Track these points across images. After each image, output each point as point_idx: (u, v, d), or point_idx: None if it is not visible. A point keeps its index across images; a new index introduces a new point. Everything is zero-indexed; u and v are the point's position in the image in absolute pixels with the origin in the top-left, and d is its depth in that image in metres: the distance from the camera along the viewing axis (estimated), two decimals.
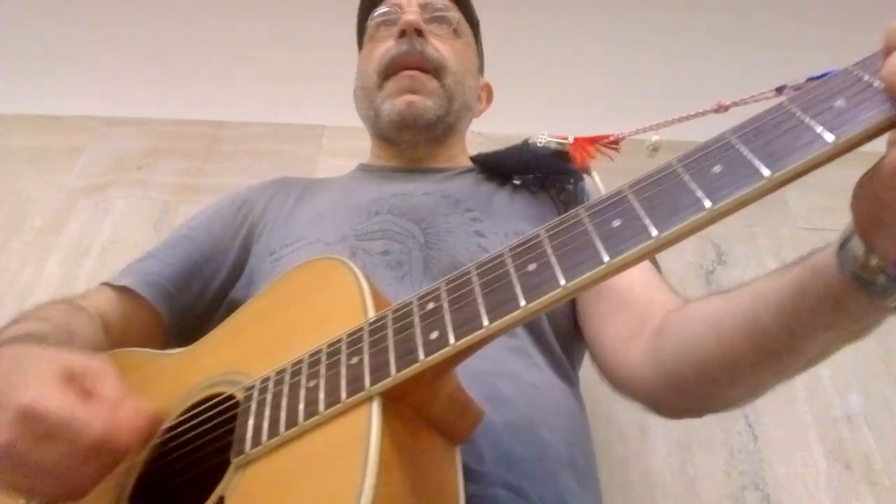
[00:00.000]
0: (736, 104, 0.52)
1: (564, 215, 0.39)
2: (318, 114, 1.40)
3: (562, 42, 1.54)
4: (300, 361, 0.45)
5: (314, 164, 1.34)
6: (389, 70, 0.82)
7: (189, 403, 0.52)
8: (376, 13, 0.89)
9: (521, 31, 1.52)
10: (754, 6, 1.60)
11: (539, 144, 0.72)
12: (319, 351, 0.45)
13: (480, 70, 0.97)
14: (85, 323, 0.65)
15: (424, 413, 0.43)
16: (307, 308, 0.51)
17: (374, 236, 0.70)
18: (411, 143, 0.84)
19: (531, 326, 0.66)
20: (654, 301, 0.61)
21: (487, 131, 1.17)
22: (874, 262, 0.34)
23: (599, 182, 0.69)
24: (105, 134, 1.41)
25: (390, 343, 0.41)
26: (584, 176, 0.75)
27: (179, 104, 1.43)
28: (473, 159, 0.86)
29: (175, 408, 0.53)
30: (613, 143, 0.66)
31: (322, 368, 0.43)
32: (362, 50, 0.92)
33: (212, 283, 0.77)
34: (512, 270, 0.39)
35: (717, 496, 0.88)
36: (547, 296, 0.36)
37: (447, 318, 0.39)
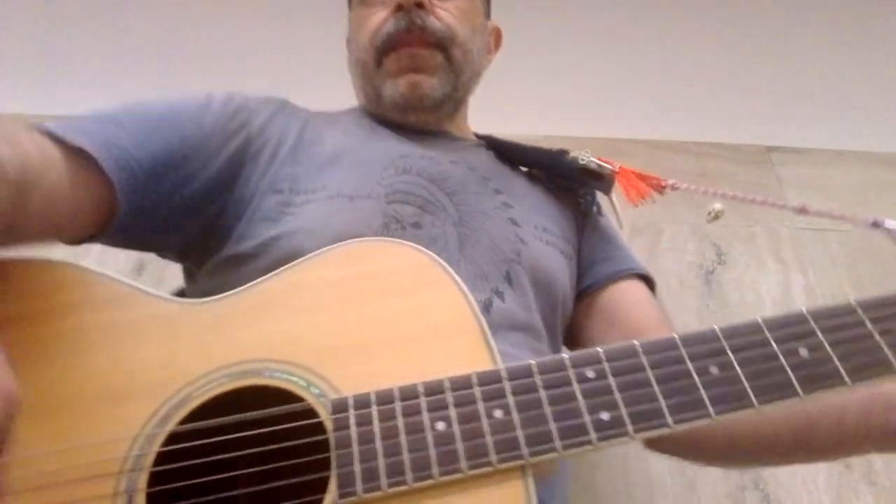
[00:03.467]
0: (820, 214, 0.55)
1: (742, 324, 0.40)
2: None
3: (556, 41, 1.50)
4: (414, 391, 0.40)
5: None
6: (387, 47, 0.71)
7: (226, 387, 0.43)
8: None
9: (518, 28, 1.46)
10: (758, 9, 1.63)
11: (581, 161, 0.70)
12: (441, 386, 0.40)
13: (487, 14, 0.86)
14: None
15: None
16: (399, 310, 0.45)
17: (405, 199, 0.63)
18: (419, 122, 0.75)
19: (552, 329, 0.66)
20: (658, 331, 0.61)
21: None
22: None
23: (619, 209, 0.70)
24: None
25: (548, 411, 0.38)
26: (599, 196, 0.76)
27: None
28: (485, 139, 0.81)
29: (193, 387, 0.43)
30: (661, 188, 0.67)
31: (451, 412, 0.39)
32: (353, 12, 0.78)
33: (184, 189, 0.60)
34: (693, 371, 0.38)
35: (716, 496, 0.89)
36: (737, 413, 0.37)
37: (620, 402, 0.38)
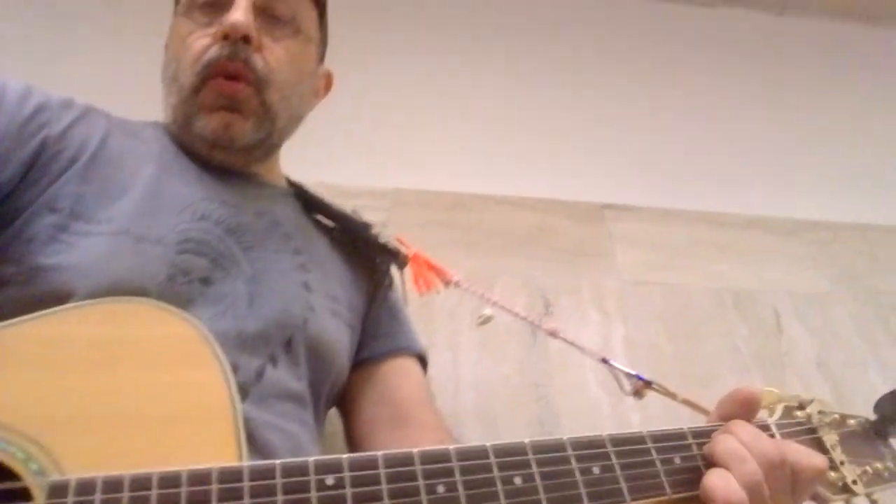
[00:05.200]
0: (565, 340, 0.64)
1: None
2: None
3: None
4: (147, 482, 0.38)
5: None
6: (207, 73, 0.69)
7: None
8: None
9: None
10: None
11: (381, 239, 0.74)
12: (178, 479, 0.39)
13: (321, 59, 0.86)
14: None
15: None
16: (157, 386, 0.43)
17: (197, 249, 0.61)
18: (224, 162, 0.72)
19: (319, 398, 0.67)
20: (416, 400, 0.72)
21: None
22: None
23: (408, 286, 0.75)
24: None
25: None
26: (393, 272, 0.80)
27: None
28: (292, 184, 0.81)
29: None
30: (447, 282, 0.72)
31: None
32: (176, 19, 0.75)
33: None
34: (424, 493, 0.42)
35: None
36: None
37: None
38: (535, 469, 0.44)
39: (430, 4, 1.67)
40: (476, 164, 1.38)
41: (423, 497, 0.41)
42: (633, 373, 0.59)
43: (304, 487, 0.40)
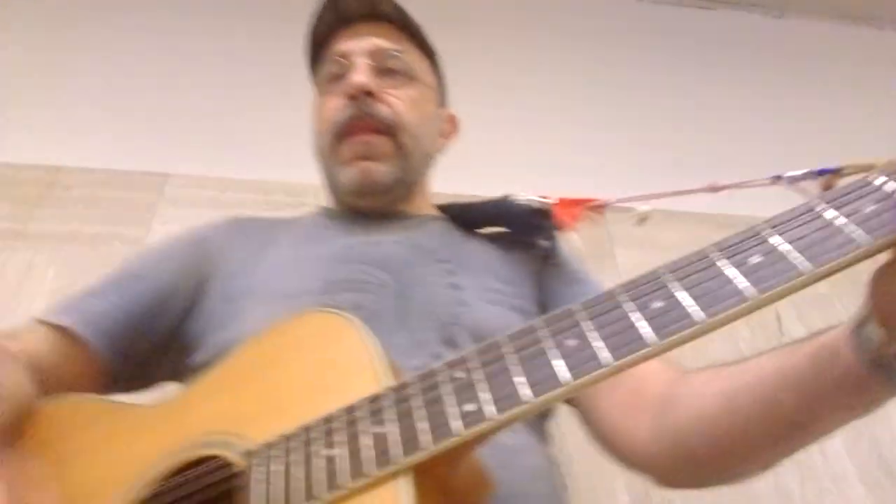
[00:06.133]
0: (727, 187, 0.55)
1: (602, 293, 0.40)
2: (162, 161, 1.40)
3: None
4: (309, 427, 0.43)
5: (153, 212, 1.31)
6: (342, 133, 0.78)
7: (173, 466, 0.48)
8: (326, 70, 0.84)
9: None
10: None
11: (520, 202, 0.73)
12: (334, 417, 0.42)
13: (442, 102, 0.93)
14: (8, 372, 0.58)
15: (445, 486, 0.41)
16: (308, 366, 0.49)
17: (343, 286, 0.68)
18: (371, 207, 0.81)
19: None
20: (646, 372, 0.60)
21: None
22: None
23: (581, 244, 0.71)
24: None
25: (420, 414, 0.39)
26: (561, 236, 0.77)
27: (14, 147, 1.37)
28: (443, 208, 0.86)
29: (154, 470, 0.48)
30: (599, 207, 0.68)
31: (341, 436, 0.41)
32: (314, 104, 0.88)
33: (162, 325, 0.72)
34: (551, 344, 0.39)
35: None
36: (594, 374, 0.36)
37: (483, 389, 0.39)
38: (669, 288, 0.38)
39: (430, 4, 1.72)
40: (474, 166, 1.32)
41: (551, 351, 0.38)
42: (815, 169, 0.47)
43: (433, 386, 0.41)
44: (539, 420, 0.69)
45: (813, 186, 0.48)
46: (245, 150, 1.42)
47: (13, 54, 1.49)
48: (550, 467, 0.64)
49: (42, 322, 0.67)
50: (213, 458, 0.46)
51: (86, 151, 1.37)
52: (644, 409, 0.58)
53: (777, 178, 0.51)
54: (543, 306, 0.73)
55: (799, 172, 0.48)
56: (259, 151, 1.43)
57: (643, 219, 0.62)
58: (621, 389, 0.62)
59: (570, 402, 0.69)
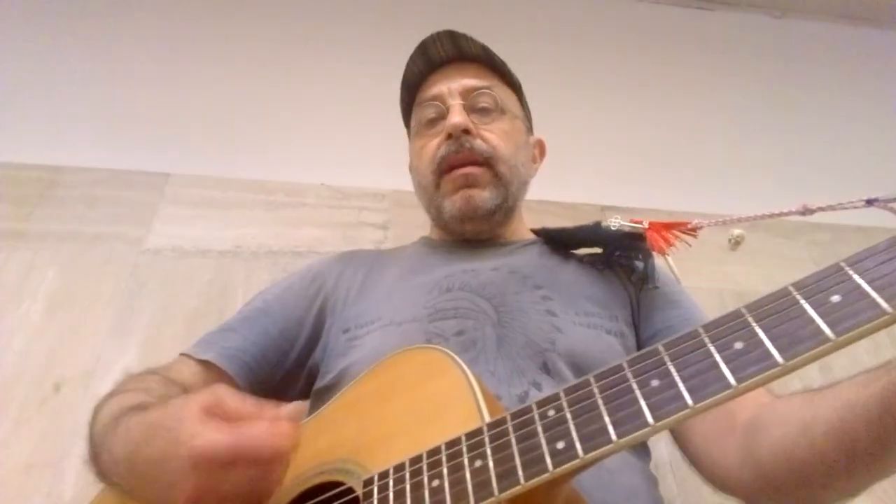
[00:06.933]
0: (822, 209, 0.54)
1: (683, 333, 0.42)
2: (162, 161, 1.38)
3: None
4: (419, 459, 0.48)
5: (153, 212, 1.29)
6: (443, 169, 0.85)
7: (302, 489, 0.55)
8: (422, 114, 0.91)
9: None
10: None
11: (612, 228, 0.75)
12: (438, 450, 0.47)
13: (530, 130, 0.99)
14: (178, 395, 0.68)
15: None
16: (416, 400, 0.54)
17: (447, 314, 0.73)
18: (475, 231, 0.87)
19: None
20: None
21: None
22: None
23: (675, 268, 0.71)
24: None
25: (515, 450, 0.43)
26: (655, 257, 0.78)
27: (14, 147, 1.35)
28: (537, 232, 0.89)
29: (287, 492, 0.55)
30: (691, 231, 0.68)
31: (444, 469, 0.45)
32: (412, 144, 0.95)
33: (289, 355, 0.81)
34: (635, 385, 0.41)
35: None
36: (674, 416, 0.38)
37: (572, 429, 0.42)
38: (754, 326, 0.39)
39: (428, 5, 1.70)
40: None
41: (637, 392, 0.41)
42: None
43: (529, 422, 0.44)
44: None
45: None
46: (245, 150, 1.42)
47: (13, 54, 1.48)
48: (646, 484, 0.66)
49: (188, 356, 0.77)
50: (339, 483, 0.53)
51: (86, 151, 1.35)
52: (733, 433, 0.59)
53: (871, 202, 0.50)
54: (639, 329, 0.75)
55: (893, 195, 0.47)
56: (259, 151, 1.42)
57: (738, 242, 0.62)
58: (713, 413, 0.62)
59: None
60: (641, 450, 0.71)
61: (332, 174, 1.35)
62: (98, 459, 0.59)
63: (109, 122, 1.43)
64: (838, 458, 0.47)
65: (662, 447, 1.06)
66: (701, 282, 1.21)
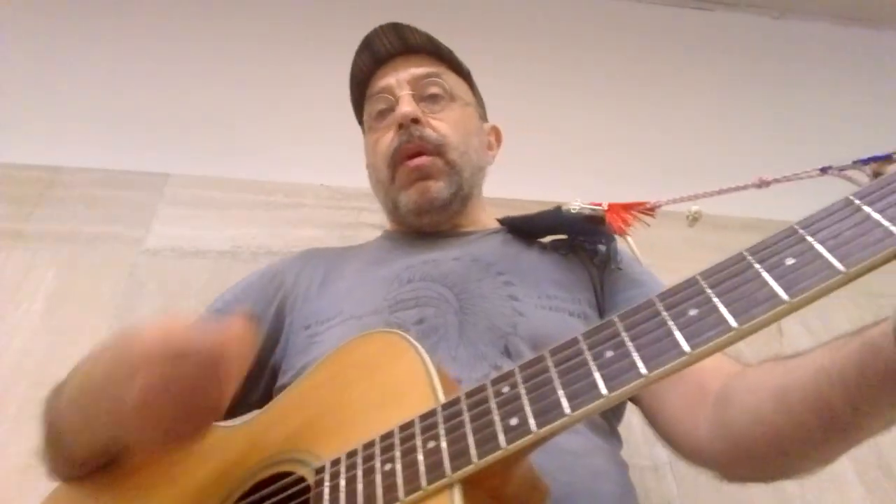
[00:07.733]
0: (777, 181, 0.54)
1: (638, 304, 0.41)
2: (162, 161, 1.37)
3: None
4: (372, 444, 0.46)
5: (153, 212, 1.28)
6: (396, 161, 0.84)
7: (253, 481, 0.52)
8: (372, 108, 0.90)
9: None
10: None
11: (572, 211, 0.74)
12: (391, 433, 0.45)
13: (483, 117, 0.98)
14: None
15: (498, 495, 0.43)
16: (371, 385, 0.52)
17: (407, 305, 0.71)
18: (433, 224, 0.86)
19: None
20: (707, 366, 0.60)
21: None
22: None
23: (636, 248, 0.71)
24: None
25: (468, 428, 0.41)
26: (618, 239, 0.77)
27: (13, 147, 1.35)
28: (501, 221, 0.88)
29: (237, 485, 0.53)
30: (649, 210, 0.68)
31: (396, 452, 0.44)
32: (366, 140, 0.94)
33: (252, 355, 0.78)
34: (589, 357, 0.40)
35: None
36: (629, 386, 0.37)
37: (526, 404, 0.40)
38: (709, 293, 0.38)
39: (427, 7, 1.66)
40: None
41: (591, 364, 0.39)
42: (862, 158, 0.46)
43: (483, 400, 0.43)
44: (604, 422, 0.69)
45: (862, 176, 0.46)
46: (245, 150, 1.41)
47: (13, 54, 1.48)
48: (615, 468, 0.64)
49: None
50: (290, 474, 0.50)
51: (85, 152, 1.35)
52: (704, 404, 0.58)
53: (825, 170, 0.49)
54: (602, 310, 0.74)
55: (847, 162, 0.47)
56: (259, 151, 1.41)
57: (695, 219, 0.61)
58: (682, 385, 0.62)
59: (632, 399, 0.69)
60: (611, 435, 0.70)
61: (331, 174, 1.33)
62: (52, 439, 0.60)
63: (108, 122, 1.43)
64: (814, 425, 0.46)
65: (662, 447, 1.06)
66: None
